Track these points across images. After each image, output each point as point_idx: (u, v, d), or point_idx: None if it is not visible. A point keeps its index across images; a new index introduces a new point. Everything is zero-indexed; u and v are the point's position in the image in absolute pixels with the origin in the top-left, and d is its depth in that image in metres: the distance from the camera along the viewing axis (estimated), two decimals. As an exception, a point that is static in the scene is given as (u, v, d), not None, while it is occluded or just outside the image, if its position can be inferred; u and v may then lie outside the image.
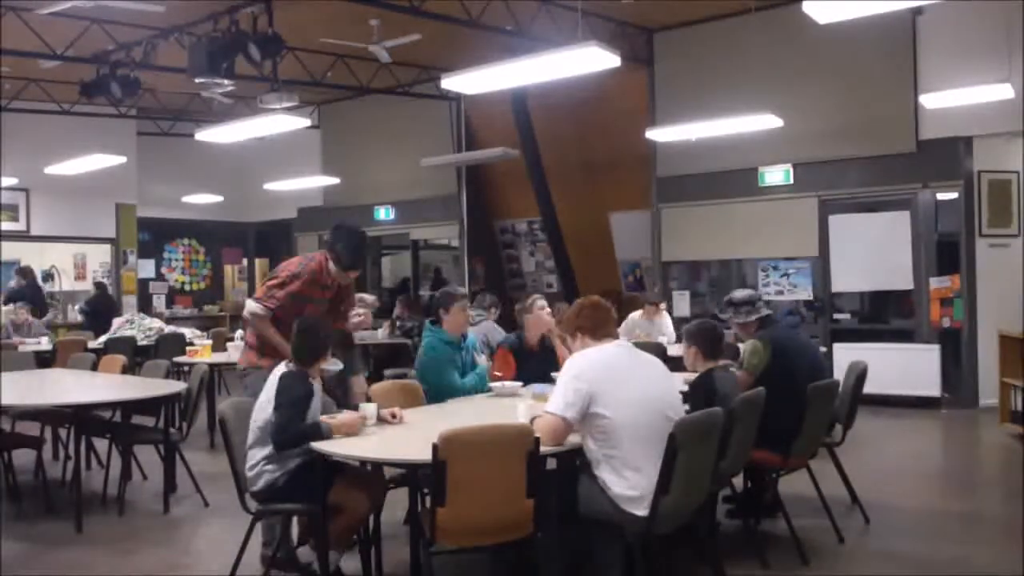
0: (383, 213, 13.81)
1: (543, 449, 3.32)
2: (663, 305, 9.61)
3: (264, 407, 3.79)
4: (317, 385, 3.93)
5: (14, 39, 8.92)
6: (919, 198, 9.25)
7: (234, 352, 8.36)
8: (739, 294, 5.07)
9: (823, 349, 8.47)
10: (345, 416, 3.82)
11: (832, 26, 6.16)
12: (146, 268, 15.11)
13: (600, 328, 3.70)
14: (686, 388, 4.51)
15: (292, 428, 3.66)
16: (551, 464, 3.75)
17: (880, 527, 4.96)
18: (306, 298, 4.37)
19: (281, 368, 3.89)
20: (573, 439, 3.52)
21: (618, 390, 3.43)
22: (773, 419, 4.26)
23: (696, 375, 4.39)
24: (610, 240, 12.91)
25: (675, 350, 7.37)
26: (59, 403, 5.65)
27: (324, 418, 3.76)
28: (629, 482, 3.38)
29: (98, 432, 6.08)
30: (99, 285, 12.71)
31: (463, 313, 5.05)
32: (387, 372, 8.72)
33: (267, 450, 3.78)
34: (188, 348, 8.25)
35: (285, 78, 9.66)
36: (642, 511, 3.36)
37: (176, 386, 5.73)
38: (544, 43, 7.73)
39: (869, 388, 5.41)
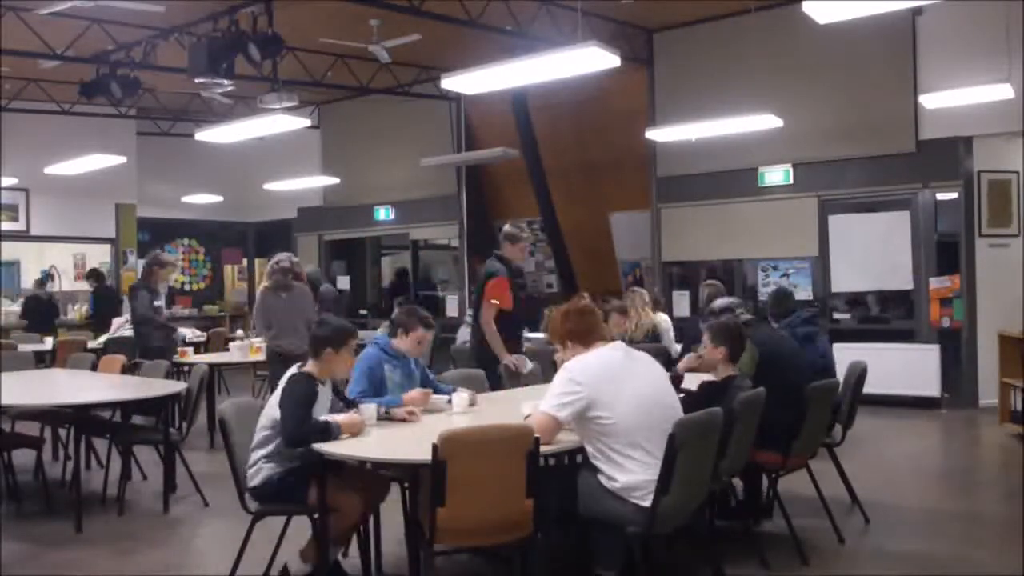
0: (383, 213, 13.80)
1: (541, 448, 3.31)
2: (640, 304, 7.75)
3: (273, 408, 3.79)
4: (327, 387, 3.95)
5: (14, 39, 8.91)
6: (919, 198, 9.24)
7: (236, 352, 8.36)
8: (719, 302, 5.11)
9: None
10: (346, 417, 3.79)
11: (832, 26, 6.15)
12: (146, 268, 15.07)
13: (589, 333, 3.66)
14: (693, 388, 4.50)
15: (305, 426, 3.64)
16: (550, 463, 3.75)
17: (880, 527, 4.96)
18: None
19: (293, 370, 3.91)
20: (573, 438, 3.52)
21: (617, 391, 3.42)
22: (770, 419, 4.26)
23: (710, 378, 4.37)
24: (610, 240, 12.88)
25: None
26: (59, 403, 5.65)
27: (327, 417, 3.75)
28: (631, 474, 3.38)
29: (98, 432, 6.08)
30: (40, 282, 12.16)
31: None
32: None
33: (269, 449, 3.78)
34: (181, 349, 8.22)
35: (285, 78, 9.67)
36: (645, 502, 3.35)
37: (176, 386, 5.74)
38: (544, 43, 7.74)
39: (869, 388, 5.42)
